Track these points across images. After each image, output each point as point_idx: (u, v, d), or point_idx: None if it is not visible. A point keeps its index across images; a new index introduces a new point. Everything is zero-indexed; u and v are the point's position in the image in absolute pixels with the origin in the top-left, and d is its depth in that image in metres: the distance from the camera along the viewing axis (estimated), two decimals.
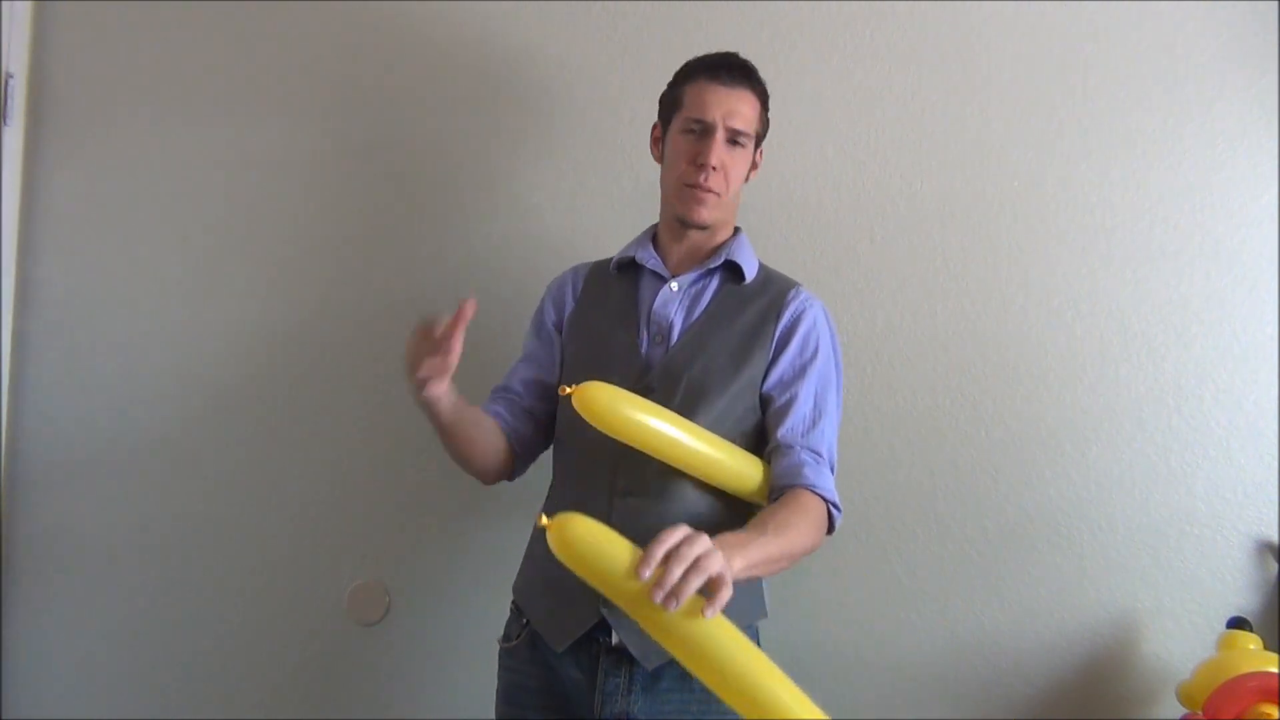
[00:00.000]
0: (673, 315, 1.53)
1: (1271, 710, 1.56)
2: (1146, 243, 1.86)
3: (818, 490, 1.41)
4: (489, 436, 1.52)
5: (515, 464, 1.58)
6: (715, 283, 1.55)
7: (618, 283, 1.59)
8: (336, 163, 1.91)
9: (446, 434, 1.46)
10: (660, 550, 1.12)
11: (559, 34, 1.89)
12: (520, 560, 1.61)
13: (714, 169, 1.49)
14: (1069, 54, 1.87)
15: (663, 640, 1.16)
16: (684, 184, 1.51)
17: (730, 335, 1.51)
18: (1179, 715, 1.70)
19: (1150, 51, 1.87)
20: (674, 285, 1.54)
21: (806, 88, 1.88)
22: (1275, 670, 1.60)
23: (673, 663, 1.21)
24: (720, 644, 1.14)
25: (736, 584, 1.15)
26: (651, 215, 1.63)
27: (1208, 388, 1.85)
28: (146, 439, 1.89)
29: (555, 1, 1.89)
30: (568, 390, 1.38)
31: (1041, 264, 1.86)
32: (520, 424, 1.57)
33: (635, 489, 1.46)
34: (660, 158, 1.59)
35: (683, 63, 1.57)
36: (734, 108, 1.50)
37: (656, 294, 1.54)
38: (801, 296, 1.55)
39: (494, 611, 1.62)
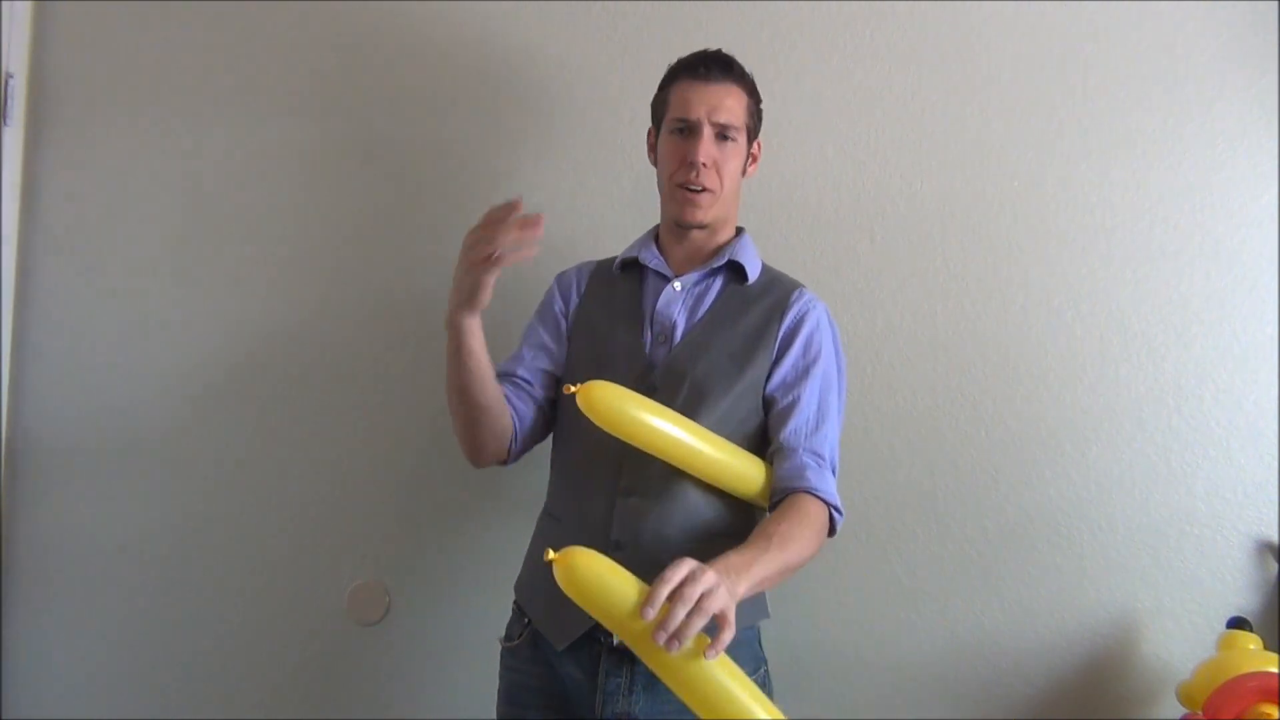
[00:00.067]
0: (676, 315, 1.53)
1: (1271, 710, 1.56)
2: (1146, 243, 1.86)
3: (820, 494, 1.41)
4: (499, 406, 1.49)
5: (512, 448, 1.55)
6: (719, 283, 1.55)
7: (621, 282, 1.59)
8: (336, 163, 1.91)
9: (464, 375, 1.41)
10: (664, 590, 1.12)
11: (559, 34, 1.89)
12: (521, 560, 1.61)
13: (704, 165, 1.48)
14: (1069, 54, 1.87)
15: (666, 678, 1.17)
16: (676, 185, 1.52)
17: (733, 336, 1.51)
18: (1179, 715, 1.70)
19: (1150, 51, 1.87)
20: (677, 285, 1.54)
21: (806, 88, 1.88)
22: (1275, 670, 1.60)
23: None
24: (722, 686, 1.15)
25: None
26: (651, 215, 1.63)
27: (1208, 388, 1.84)
28: (146, 439, 1.89)
29: (555, 1, 1.89)
30: (572, 389, 1.37)
31: (1041, 264, 1.86)
32: (526, 410, 1.55)
33: (638, 489, 1.46)
34: (656, 162, 1.59)
35: None
36: (718, 103, 1.50)
37: (660, 294, 1.54)
38: (805, 298, 1.55)
39: (494, 611, 1.62)
